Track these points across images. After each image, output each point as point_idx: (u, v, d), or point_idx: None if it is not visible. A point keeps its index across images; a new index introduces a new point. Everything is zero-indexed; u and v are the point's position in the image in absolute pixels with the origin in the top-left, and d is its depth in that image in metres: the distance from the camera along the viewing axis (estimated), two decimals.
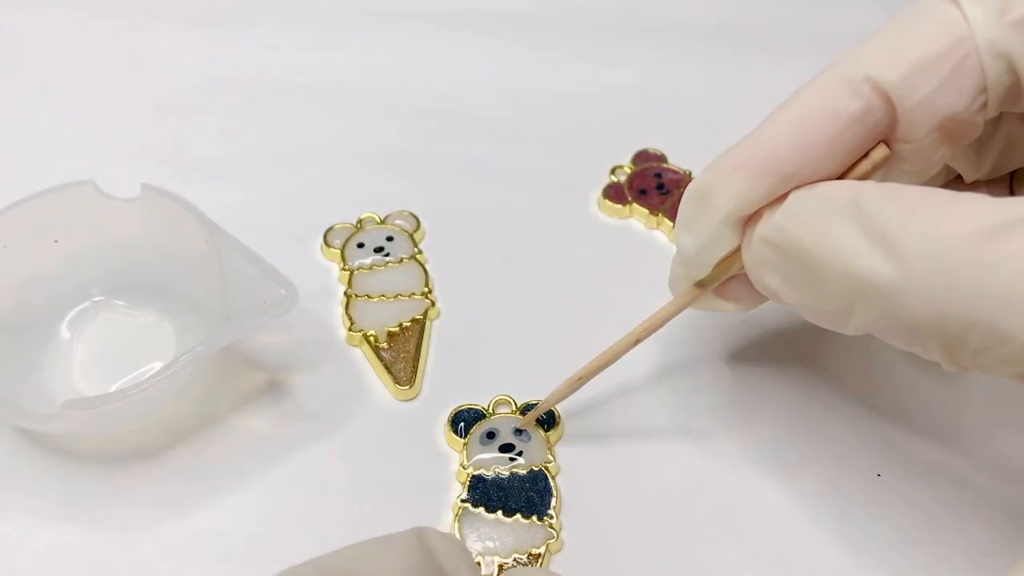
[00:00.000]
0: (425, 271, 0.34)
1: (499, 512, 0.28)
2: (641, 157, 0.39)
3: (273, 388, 0.31)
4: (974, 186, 0.28)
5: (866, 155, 0.23)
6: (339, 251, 0.35)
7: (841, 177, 0.23)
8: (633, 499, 0.28)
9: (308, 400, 0.31)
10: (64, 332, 0.31)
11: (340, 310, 0.33)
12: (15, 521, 0.28)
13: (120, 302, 0.32)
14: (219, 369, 0.31)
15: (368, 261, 0.34)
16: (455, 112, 0.41)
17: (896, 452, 0.29)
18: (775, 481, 0.29)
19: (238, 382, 0.31)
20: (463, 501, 0.28)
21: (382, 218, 0.36)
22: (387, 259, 0.34)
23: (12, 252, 0.30)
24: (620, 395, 0.31)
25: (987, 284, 0.19)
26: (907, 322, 0.21)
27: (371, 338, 0.32)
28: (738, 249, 0.25)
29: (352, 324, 0.32)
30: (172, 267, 0.31)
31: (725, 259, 0.25)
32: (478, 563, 0.27)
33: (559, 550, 0.27)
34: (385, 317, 0.32)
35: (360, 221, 0.36)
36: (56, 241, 0.31)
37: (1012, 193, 0.28)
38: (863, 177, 0.23)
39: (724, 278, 0.26)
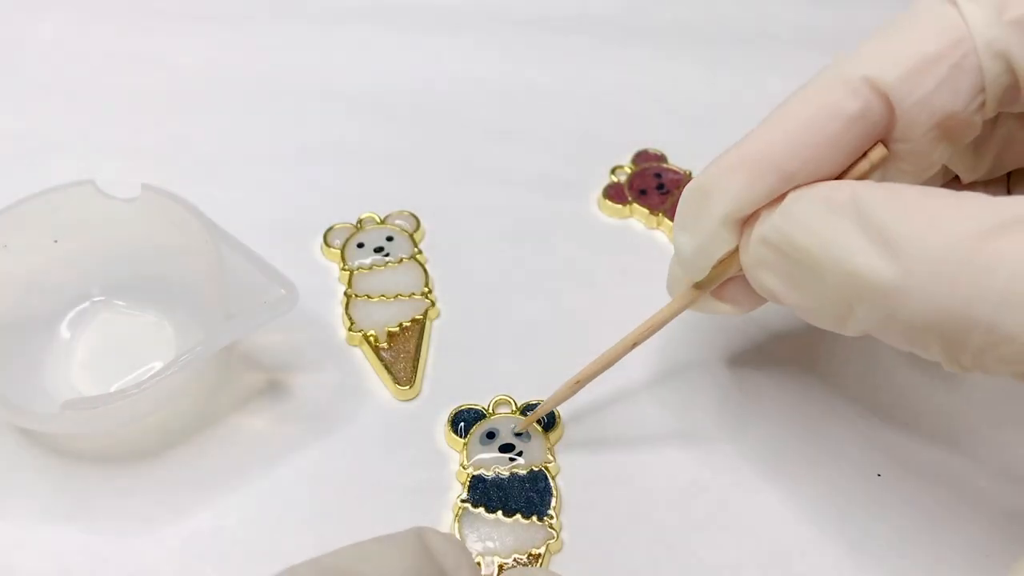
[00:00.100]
0: (425, 271, 0.34)
1: (499, 512, 0.28)
2: (641, 157, 0.39)
3: (273, 388, 0.31)
4: (971, 187, 0.28)
5: (864, 155, 0.23)
6: (339, 251, 0.35)
7: (839, 177, 0.23)
8: (633, 499, 0.28)
9: (308, 400, 0.31)
10: (64, 332, 0.31)
11: (340, 310, 0.33)
12: (15, 521, 0.28)
13: (120, 302, 0.32)
14: (219, 369, 0.31)
15: (368, 261, 0.34)
16: (455, 112, 0.41)
17: (896, 452, 0.29)
18: (775, 481, 0.29)
19: (238, 382, 0.31)
20: (463, 501, 0.28)
21: (382, 218, 0.36)
22: (387, 259, 0.34)
23: (12, 252, 0.30)
24: (620, 395, 0.31)
25: (987, 284, 0.19)
26: (907, 322, 0.21)
27: (371, 338, 0.32)
28: (736, 250, 0.25)
29: (352, 324, 0.32)
30: (172, 267, 0.31)
31: (723, 260, 0.25)
32: (478, 563, 0.27)
33: (559, 550, 0.27)
34: (385, 317, 0.32)
35: (360, 221, 0.36)
36: (56, 241, 0.31)
37: (1009, 194, 0.28)
38: (862, 177, 0.23)
39: (722, 280, 0.26)
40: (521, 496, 0.28)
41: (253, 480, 0.29)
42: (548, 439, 0.29)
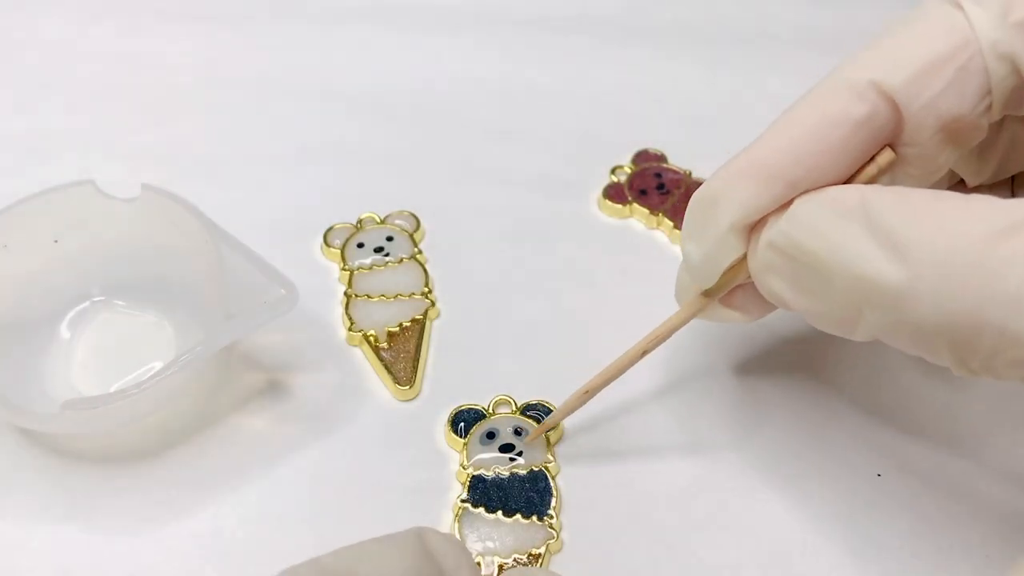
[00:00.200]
0: (425, 271, 0.34)
1: (499, 512, 0.28)
2: (641, 157, 0.39)
3: (273, 388, 0.31)
4: (977, 190, 0.28)
5: (872, 159, 0.23)
6: (339, 251, 0.35)
7: (847, 182, 0.23)
8: (633, 499, 0.28)
9: (308, 400, 0.31)
10: (64, 332, 0.31)
11: (340, 310, 0.33)
12: (15, 521, 0.28)
13: (120, 302, 0.32)
14: (219, 369, 0.31)
15: (368, 261, 0.34)
16: (455, 112, 0.41)
17: (898, 455, 0.29)
18: (776, 483, 0.29)
19: (238, 382, 0.31)
20: (463, 501, 0.28)
21: (382, 218, 0.36)
22: (387, 259, 0.34)
23: (12, 252, 0.30)
24: (621, 397, 0.31)
25: (997, 287, 0.19)
26: (916, 326, 0.20)
27: (371, 338, 0.32)
28: (744, 257, 0.25)
29: (352, 324, 0.32)
30: (172, 267, 0.31)
31: (732, 268, 0.25)
32: (478, 563, 0.27)
33: (559, 550, 0.27)
34: (385, 317, 0.32)
35: (360, 221, 0.36)
36: (56, 241, 0.31)
37: (1014, 196, 0.28)
38: (869, 182, 0.23)
39: (731, 287, 0.26)
40: (521, 496, 0.28)
41: (253, 480, 0.29)
42: (548, 439, 0.29)
